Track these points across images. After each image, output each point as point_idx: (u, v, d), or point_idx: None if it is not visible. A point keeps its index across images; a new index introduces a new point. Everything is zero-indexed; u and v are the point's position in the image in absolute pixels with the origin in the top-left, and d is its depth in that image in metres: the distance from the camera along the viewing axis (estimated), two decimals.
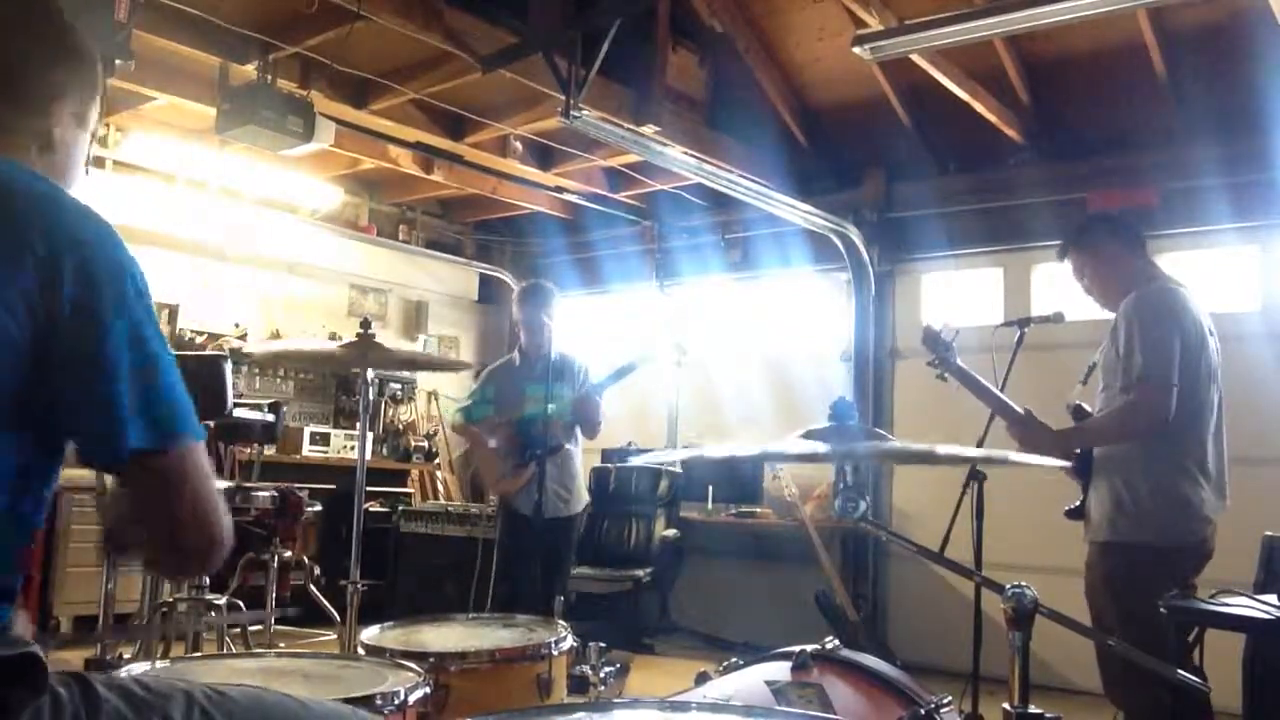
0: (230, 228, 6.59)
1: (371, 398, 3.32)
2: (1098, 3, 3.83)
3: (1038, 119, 5.79)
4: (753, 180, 5.89)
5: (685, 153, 5.57)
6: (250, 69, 4.83)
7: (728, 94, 6.12)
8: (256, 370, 6.94)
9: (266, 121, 4.69)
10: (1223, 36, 5.02)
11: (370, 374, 3.29)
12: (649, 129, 5.31)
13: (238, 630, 3.97)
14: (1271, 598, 2.32)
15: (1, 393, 1.06)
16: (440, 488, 7.51)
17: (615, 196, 7.12)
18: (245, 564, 4.46)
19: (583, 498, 4.40)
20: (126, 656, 3.71)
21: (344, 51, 4.72)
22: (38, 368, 1.07)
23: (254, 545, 4.33)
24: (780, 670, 1.83)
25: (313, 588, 4.47)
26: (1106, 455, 2.90)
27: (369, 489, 4.11)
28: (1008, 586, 1.35)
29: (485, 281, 8.43)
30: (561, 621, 2.43)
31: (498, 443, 4.28)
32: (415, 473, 7.39)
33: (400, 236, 7.77)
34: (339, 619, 4.14)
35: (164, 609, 3.81)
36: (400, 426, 7.64)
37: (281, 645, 4.24)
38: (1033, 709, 1.34)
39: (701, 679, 1.86)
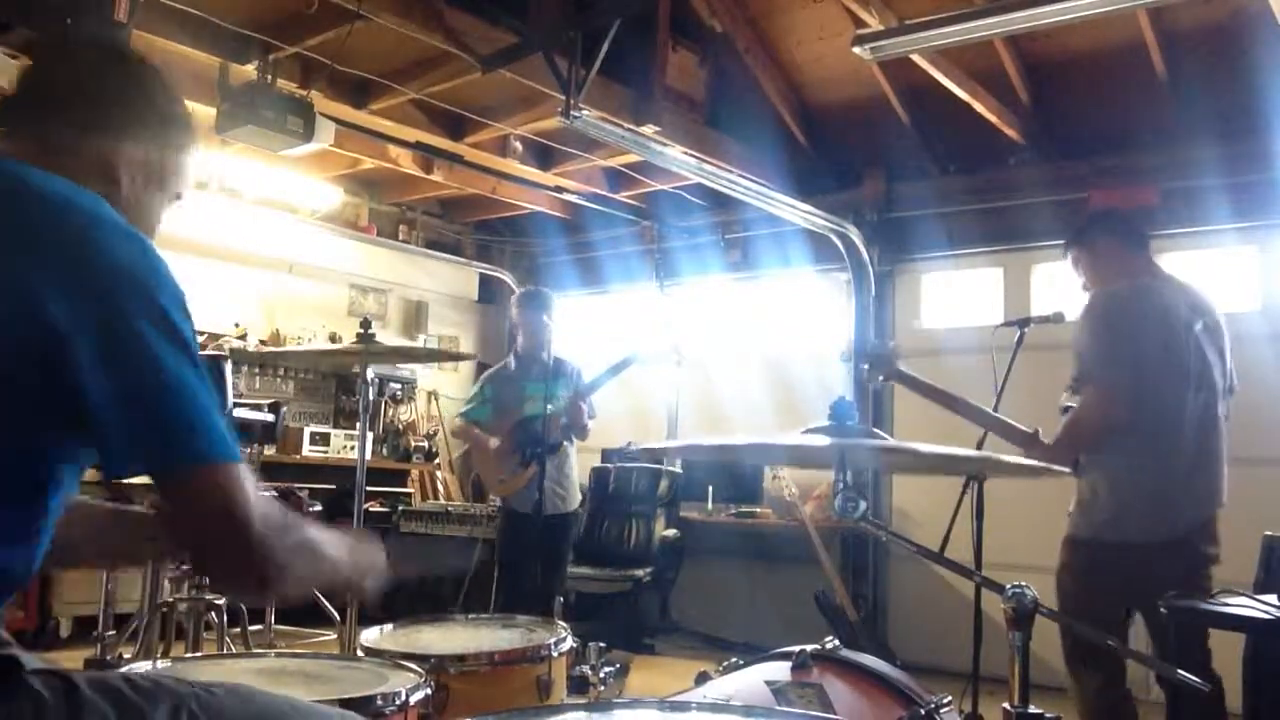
0: (230, 228, 6.59)
1: (371, 398, 3.32)
2: (1098, 3, 3.83)
3: (1038, 119, 5.79)
4: (753, 180, 5.89)
5: (685, 153, 5.57)
6: (250, 69, 4.83)
7: (728, 94, 6.12)
8: (256, 370, 6.94)
9: (266, 121, 4.69)
10: (1223, 36, 5.02)
11: (370, 374, 3.29)
12: (649, 129, 5.31)
13: (238, 630, 3.97)
14: (1271, 598, 2.32)
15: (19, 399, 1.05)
16: (440, 488, 7.51)
17: (615, 196, 7.12)
18: None
19: (578, 495, 4.47)
20: (126, 656, 3.72)
21: (344, 51, 4.72)
22: (57, 375, 1.06)
23: None
24: (780, 670, 1.83)
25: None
26: (1088, 454, 2.89)
27: (369, 489, 4.11)
28: (1008, 586, 1.35)
29: (485, 281, 8.43)
30: (561, 622, 2.43)
31: (498, 443, 4.31)
32: (415, 473, 7.39)
33: (400, 236, 7.77)
34: (339, 619, 4.15)
35: (164, 609, 3.80)
36: (400, 426, 7.64)
37: (281, 645, 4.24)
38: (1033, 709, 1.34)
39: (701, 679, 1.86)
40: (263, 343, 6.87)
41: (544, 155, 6.55)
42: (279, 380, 7.11)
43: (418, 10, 4.55)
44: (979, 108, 5.48)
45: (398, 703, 1.60)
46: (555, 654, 2.18)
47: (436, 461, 7.56)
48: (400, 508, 6.63)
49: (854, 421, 1.53)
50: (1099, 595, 2.79)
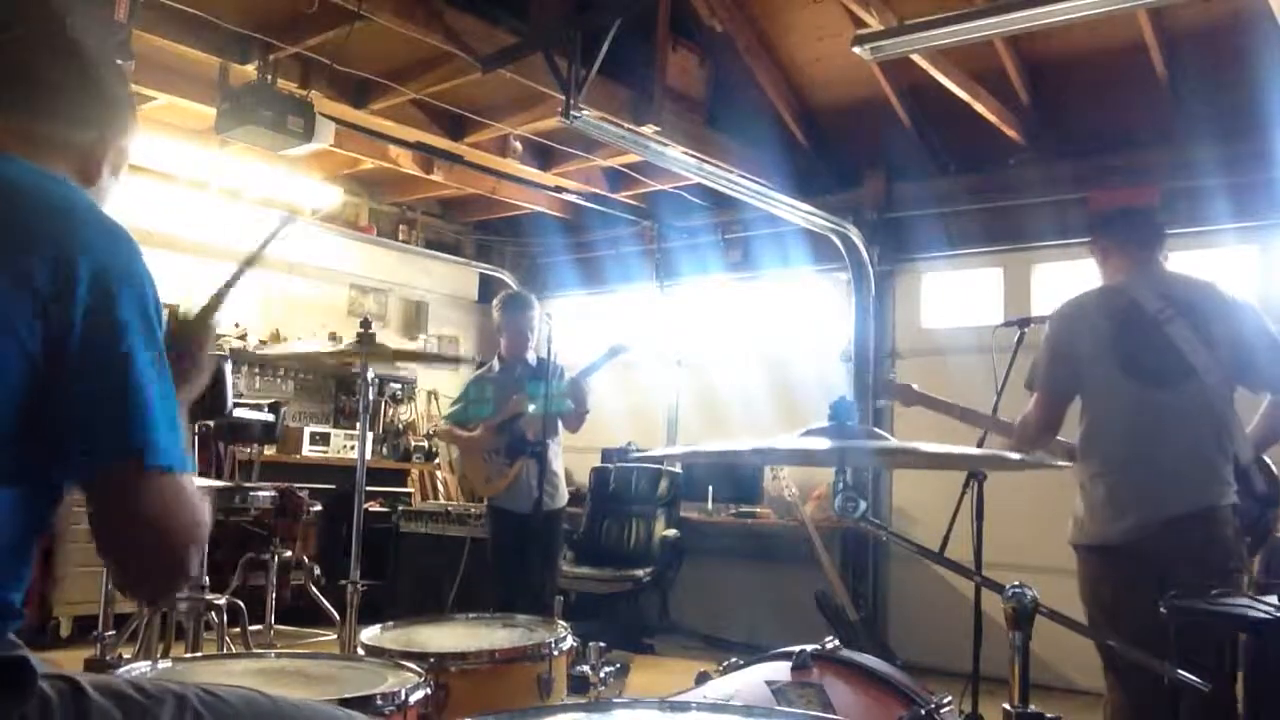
0: (230, 228, 6.59)
1: (371, 398, 3.32)
2: (1098, 3, 3.83)
3: (1038, 119, 5.79)
4: (753, 180, 5.89)
5: (685, 153, 5.57)
6: (250, 69, 4.83)
7: (728, 94, 6.12)
8: (256, 370, 6.94)
9: (266, 121, 4.69)
10: (1223, 36, 5.02)
11: (370, 374, 3.29)
12: (649, 129, 5.31)
13: (238, 630, 3.97)
14: (1271, 598, 2.32)
15: (8, 404, 1.05)
16: (440, 488, 7.51)
17: (615, 196, 7.12)
18: (245, 564, 4.47)
19: (565, 492, 4.52)
20: (126, 656, 3.72)
21: (344, 51, 4.72)
22: (47, 377, 1.06)
23: (254, 545, 4.34)
24: (780, 670, 1.83)
25: (313, 588, 4.48)
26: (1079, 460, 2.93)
27: (369, 489, 4.12)
28: (1008, 586, 1.35)
29: (485, 281, 8.43)
30: (561, 621, 2.43)
31: (482, 441, 4.34)
32: (415, 473, 7.39)
33: (400, 236, 7.77)
34: (339, 619, 4.15)
35: (164, 609, 3.80)
36: (400, 426, 7.64)
37: (281, 645, 4.25)
38: (1033, 709, 1.34)
39: (701, 679, 1.86)
40: (263, 343, 6.87)
41: (544, 155, 6.55)
42: (279, 380, 7.11)
43: (418, 10, 4.55)
44: (979, 108, 5.48)
45: (397, 702, 1.60)
46: (556, 653, 2.18)
47: (436, 461, 7.56)
48: (400, 508, 6.63)
49: (854, 421, 1.53)
50: (1096, 600, 2.80)
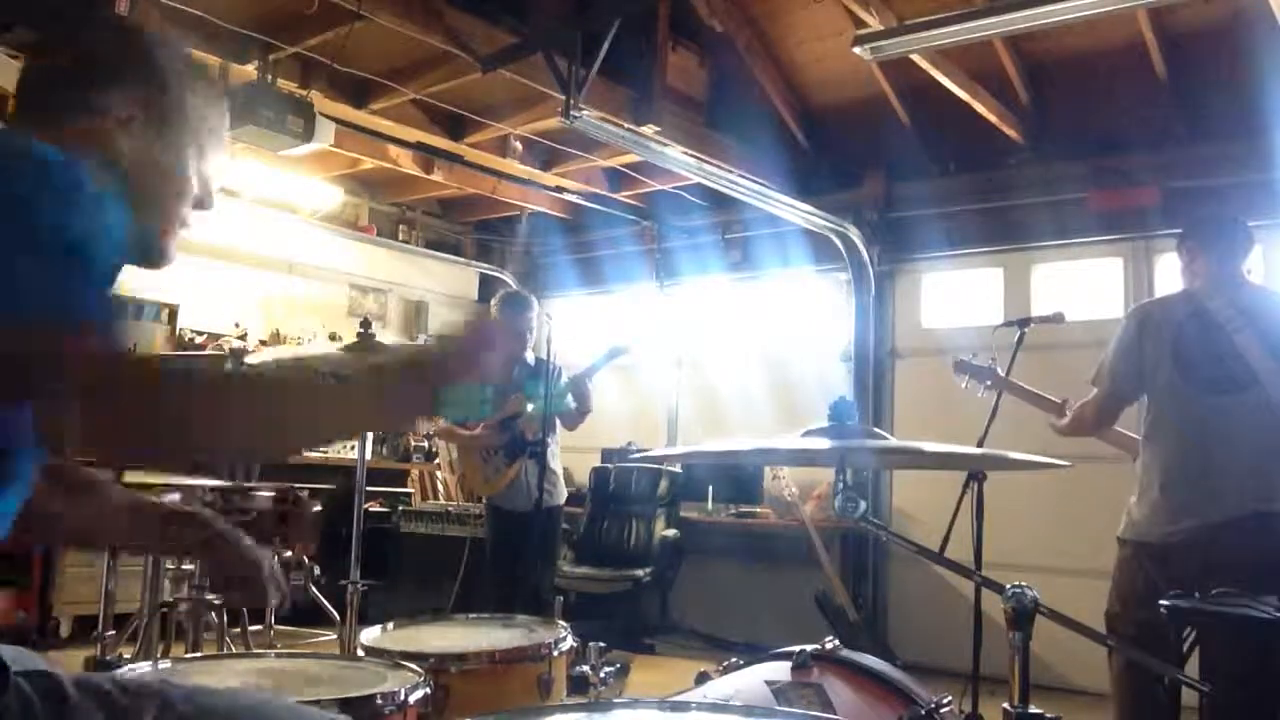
0: (230, 228, 6.59)
1: None
2: (1098, 3, 3.84)
3: (1038, 119, 5.79)
4: (753, 180, 5.89)
5: (685, 153, 5.57)
6: (250, 69, 4.84)
7: (728, 94, 6.12)
8: None
9: (266, 121, 4.69)
10: (1223, 36, 5.02)
11: None
12: (649, 129, 5.31)
13: (238, 630, 3.97)
14: (1271, 598, 2.32)
15: None
16: (440, 488, 7.51)
17: (615, 196, 7.12)
18: None
19: (564, 490, 4.53)
20: (126, 656, 3.72)
21: (344, 51, 4.72)
22: None
23: None
24: (780, 670, 1.83)
25: (313, 588, 4.48)
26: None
27: (369, 489, 4.12)
28: (1008, 586, 1.35)
29: (485, 281, 8.43)
30: (561, 621, 2.43)
31: (481, 439, 4.35)
32: (415, 473, 7.39)
33: (400, 236, 7.77)
34: (339, 619, 4.15)
35: (164, 609, 3.80)
36: None
37: (281, 645, 4.24)
38: (1033, 709, 1.34)
39: (701, 679, 1.86)
40: (263, 343, 6.87)
41: (544, 155, 6.55)
42: None
43: (418, 10, 4.55)
44: (979, 108, 5.48)
45: (397, 702, 1.60)
46: (556, 653, 2.18)
47: (436, 461, 7.56)
48: (400, 508, 6.63)
49: (854, 421, 1.53)
50: (1118, 590, 2.88)
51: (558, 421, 4.30)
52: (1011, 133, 5.74)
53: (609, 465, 6.82)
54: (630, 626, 6.08)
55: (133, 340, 5.26)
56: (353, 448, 6.59)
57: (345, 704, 1.52)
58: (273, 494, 4.02)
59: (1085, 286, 5.81)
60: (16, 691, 1.05)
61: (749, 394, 6.73)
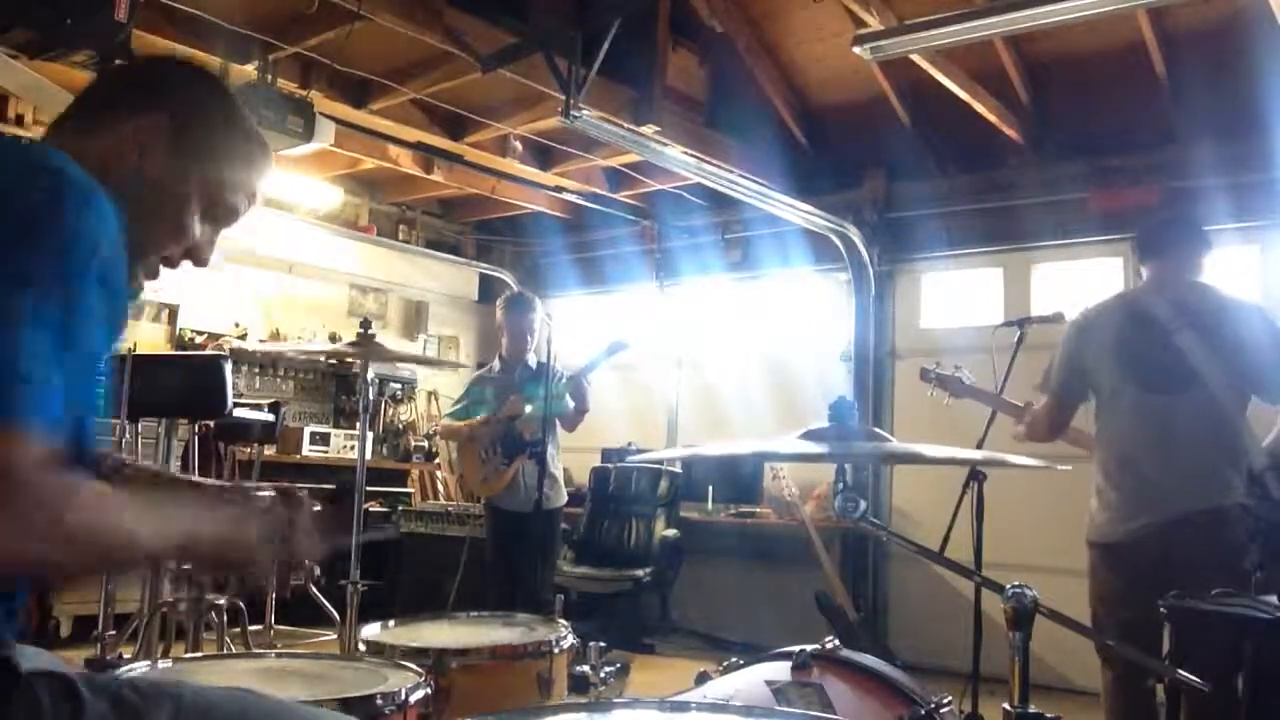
0: (230, 228, 6.58)
1: (371, 397, 3.32)
2: (1098, 3, 3.84)
3: (1038, 119, 5.79)
4: (753, 180, 5.89)
5: (685, 153, 5.57)
6: (250, 69, 4.83)
7: (728, 94, 6.11)
8: (256, 370, 6.94)
9: (266, 121, 4.68)
10: (1223, 36, 5.02)
11: (370, 374, 3.29)
12: (649, 129, 5.31)
13: (238, 630, 3.97)
14: (1271, 598, 2.32)
15: None
16: (440, 488, 7.51)
17: (615, 196, 7.12)
18: None
19: (563, 491, 4.56)
20: (126, 656, 3.72)
21: (344, 51, 4.72)
22: None
23: None
24: (780, 670, 1.83)
25: (313, 588, 4.47)
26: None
27: (369, 489, 4.12)
28: (1008, 586, 1.35)
29: (485, 281, 8.43)
30: (562, 620, 2.44)
31: (482, 434, 4.35)
32: (415, 473, 7.39)
33: (400, 236, 7.77)
34: (339, 619, 4.14)
35: (164, 609, 3.81)
36: (400, 426, 7.64)
37: (281, 645, 4.24)
38: (1033, 709, 1.34)
39: (701, 679, 1.86)
40: (262, 343, 6.87)
41: (544, 155, 6.55)
42: (279, 380, 7.11)
43: (418, 10, 4.55)
44: (979, 108, 5.48)
45: (397, 701, 1.60)
46: (557, 650, 2.18)
47: (436, 461, 7.56)
48: (400, 508, 6.63)
49: (854, 421, 1.53)
50: (1095, 593, 2.92)
51: (557, 423, 4.31)
52: (1011, 133, 5.74)
53: (609, 465, 6.82)
54: (630, 626, 6.08)
55: (131, 343, 5.26)
56: (352, 447, 6.60)
57: (345, 704, 1.52)
58: (272, 494, 4.02)
59: (1085, 286, 5.81)
60: (30, 692, 1.05)
61: (749, 394, 6.73)
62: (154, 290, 6.20)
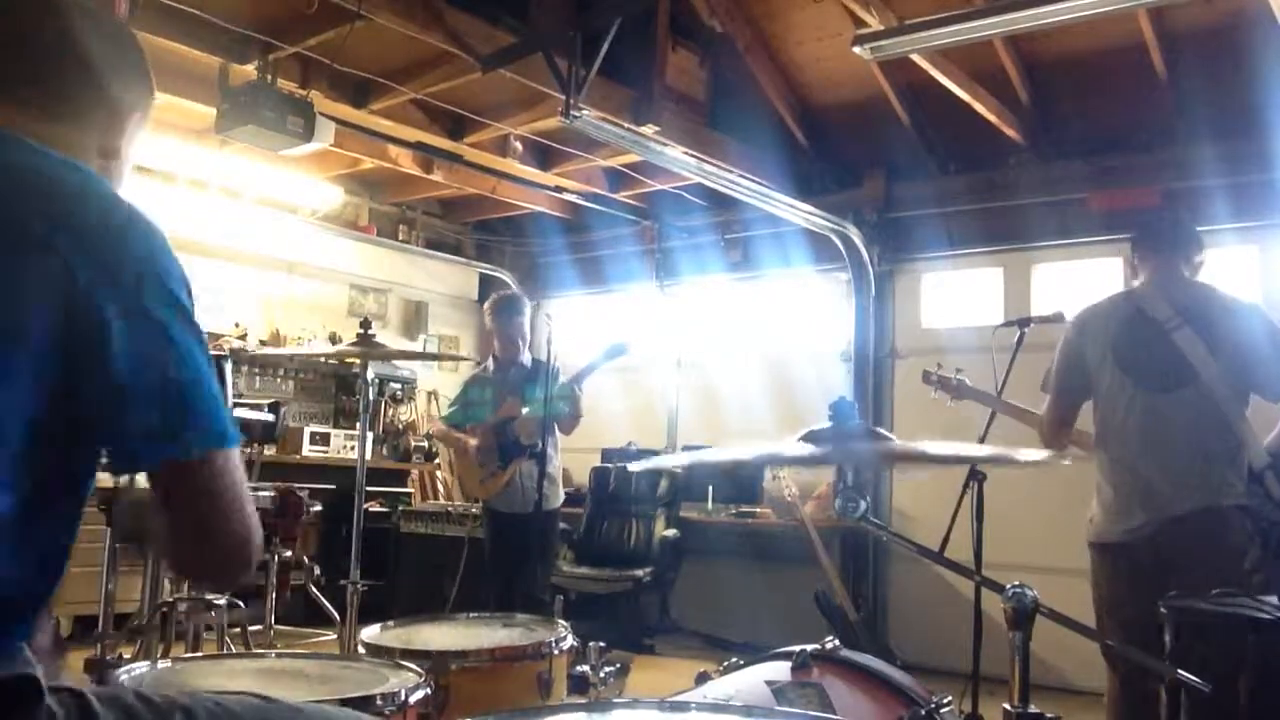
0: (230, 228, 6.59)
1: (371, 398, 3.33)
2: (1098, 3, 3.84)
3: (1038, 119, 5.79)
4: (753, 180, 5.89)
5: (685, 153, 5.57)
6: (250, 69, 4.83)
7: (728, 94, 6.11)
8: (256, 370, 6.94)
9: (266, 121, 4.69)
10: (1223, 36, 5.02)
11: (370, 374, 3.29)
12: (649, 129, 5.31)
13: (238, 630, 3.96)
14: (1272, 598, 2.32)
15: (24, 398, 1.01)
16: (440, 488, 7.51)
17: (615, 196, 7.12)
18: None
19: (561, 493, 4.56)
20: (126, 656, 3.71)
21: (344, 51, 4.71)
22: (60, 366, 1.02)
23: None
24: (780, 670, 1.83)
25: (313, 588, 4.47)
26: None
27: (369, 489, 4.12)
28: (1008, 586, 1.35)
29: (485, 281, 8.43)
30: (561, 621, 2.43)
31: (479, 444, 4.35)
32: (415, 473, 7.39)
33: (400, 236, 7.77)
34: (339, 619, 4.14)
35: (164, 609, 3.80)
36: (400, 426, 7.64)
37: (281, 645, 4.24)
38: (1033, 709, 1.34)
39: (701, 679, 1.86)
40: (263, 343, 6.87)
41: (544, 155, 6.54)
42: (279, 380, 7.11)
43: (418, 10, 4.55)
44: (979, 108, 5.48)
45: (397, 702, 1.60)
46: (556, 651, 2.18)
47: (436, 461, 7.56)
48: (400, 508, 6.63)
49: (854, 421, 1.53)
50: (1097, 593, 2.94)
51: (555, 426, 4.30)
52: (1011, 133, 5.74)
53: (609, 465, 6.82)
54: (630, 626, 6.08)
55: None
56: (352, 447, 6.60)
57: (345, 704, 1.52)
58: (272, 494, 4.02)
59: (1085, 286, 5.81)
60: (47, 711, 1.04)
61: (749, 394, 6.73)
62: None
